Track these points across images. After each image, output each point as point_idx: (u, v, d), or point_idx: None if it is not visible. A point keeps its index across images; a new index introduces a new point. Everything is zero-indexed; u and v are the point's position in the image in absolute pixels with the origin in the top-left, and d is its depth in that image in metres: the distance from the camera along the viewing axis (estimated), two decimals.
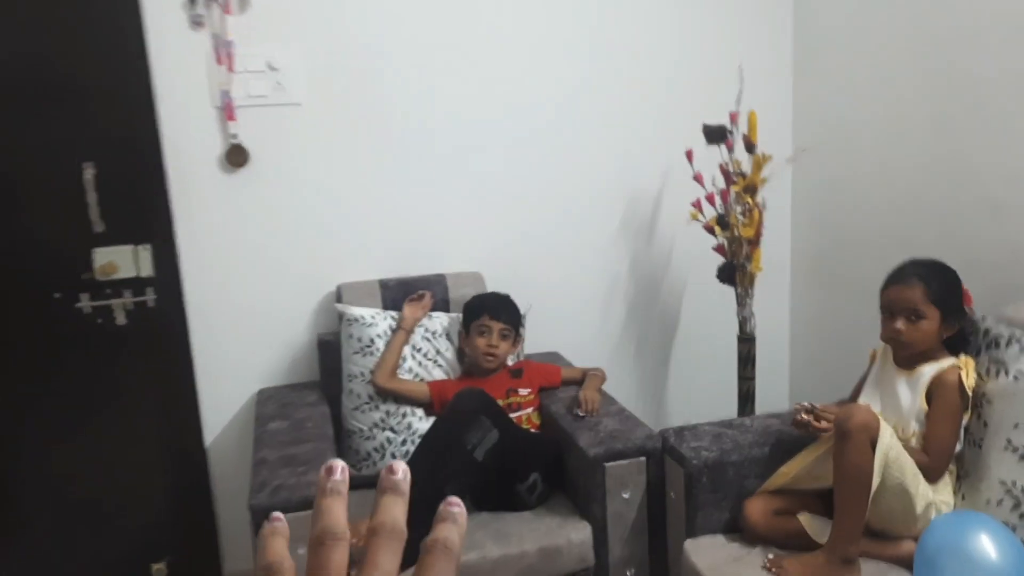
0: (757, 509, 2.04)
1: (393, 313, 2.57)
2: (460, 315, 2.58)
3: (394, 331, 2.51)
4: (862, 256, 2.82)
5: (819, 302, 3.09)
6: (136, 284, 2.54)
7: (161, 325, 2.58)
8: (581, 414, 2.34)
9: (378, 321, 2.53)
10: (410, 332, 2.51)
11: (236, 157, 2.55)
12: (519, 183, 2.83)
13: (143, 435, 2.64)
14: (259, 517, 1.92)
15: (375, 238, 2.73)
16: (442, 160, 2.75)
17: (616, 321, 3.04)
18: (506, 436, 2.18)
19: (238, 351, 2.68)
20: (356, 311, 2.53)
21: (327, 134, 2.63)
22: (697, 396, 3.14)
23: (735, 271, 2.71)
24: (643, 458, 2.17)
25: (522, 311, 2.65)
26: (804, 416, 1.95)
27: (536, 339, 2.87)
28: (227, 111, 2.52)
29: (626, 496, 2.17)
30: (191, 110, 2.51)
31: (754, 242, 2.67)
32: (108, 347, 2.55)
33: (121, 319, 2.55)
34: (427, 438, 2.18)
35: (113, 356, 2.57)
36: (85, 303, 2.51)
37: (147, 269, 2.53)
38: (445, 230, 2.79)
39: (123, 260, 2.50)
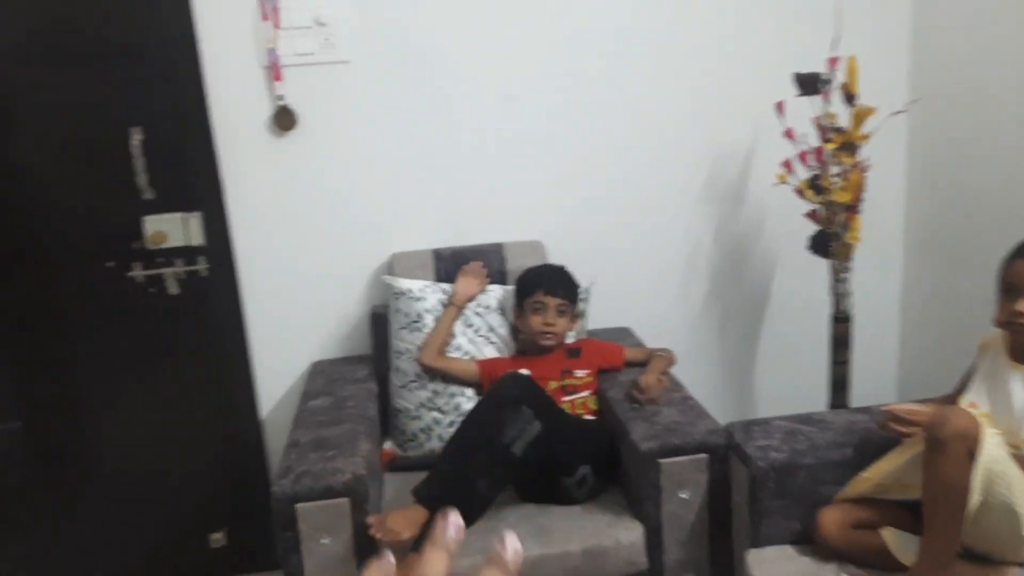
0: (833, 520, 1.77)
1: (445, 286, 2.41)
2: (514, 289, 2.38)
3: (445, 306, 2.34)
4: (989, 226, 2.42)
5: (937, 279, 2.70)
6: (187, 253, 2.49)
7: (214, 295, 2.52)
8: (639, 401, 2.11)
9: (427, 294, 2.37)
10: (461, 308, 2.34)
11: (284, 120, 2.43)
12: (585, 143, 2.59)
13: (199, 406, 2.61)
14: (281, 506, 1.81)
15: (429, 205, 2.57)
16: (499, 120, 2.54)
17: (695, 296, 2.77)
18: (552, 426, 1.98)
19: (292, 322, 2.59)
20: (404, 283, 2.38)
21: (377, 94, 2.47)
22: (786, 382, 2.83)
23: (829, 241, 2.38)
24: (704, 455, 1.93)
25: (584, 284, 2.43)
26: (890, 424, 1.66)
27: (604, 314, 2.65)
28: (274, 70, 2.40)
29: (684, 496, 1.93)
30: (237, 70, 2.40)
31: (852, 208, 2.33)
32: (162, 316, 2.52)
33: (173, 288, 2.50)
34: (462, 427, 2.01)
35: (167, 326, 2.54)
36: (137, 272, 2.47)
37: (197, 238, 2.47)
38: (503, 196, 2.59)
39: (173, 229, 2.45)
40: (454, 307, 2.33)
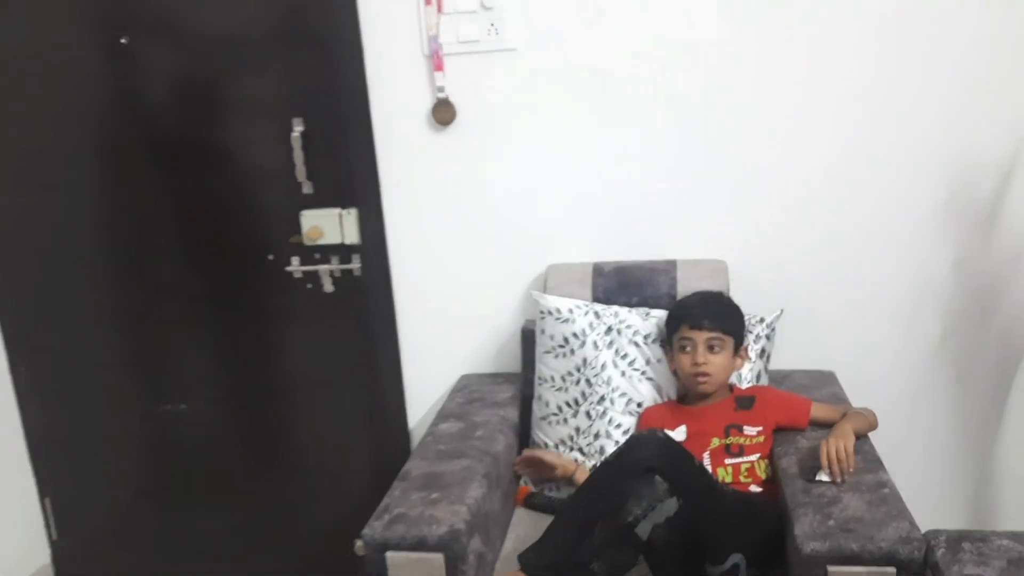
0: None
1: (600, 308, 2.09)
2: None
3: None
4: None
5: None
6: (342, 251, 2.39)
7: (367, 295, 2.40)
8: (821, 478, 1.67)
9: (576, 316, 2.07)
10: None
11: (444, 113, 2.23)
12: (789, 145, 2.14)
13: (348, 410, 2.52)
14: (371, 552, 1.63)
15: (595, 212, 2.25)
16: (683, 118, 2.16)
17: (923, 342, 2.21)
18: (698, 501, 1.62)
19: (443, 330, 2.41)
20: (552, 301, 2.10)
21: (544, 86, 2.19)
22: None
23: None
24: (892, 569, 1.47)
25: (767, 316, 2.01)
26: None
27: (802, 354, 2.20)
28: (435, 60, 2.20)
29: None
30: (398, 59, 2.23)
31: None
32: (317, 313, 2.45)
33: (328, 286, 2.42)
34: (579, 494, 1.70)
35: (321, 323, 2.47)
36: (295, 267, 2.41)
37: (352, 235, 2.35)
38: (683, 204, 2.21)
39: (329, 224, 2.35)
40: None
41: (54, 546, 2.74)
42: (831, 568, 1.48)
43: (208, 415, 2.57)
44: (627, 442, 1.68)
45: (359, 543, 2.51)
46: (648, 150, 2.18)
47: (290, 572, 2.64)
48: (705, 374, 1.87)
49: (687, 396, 1.98)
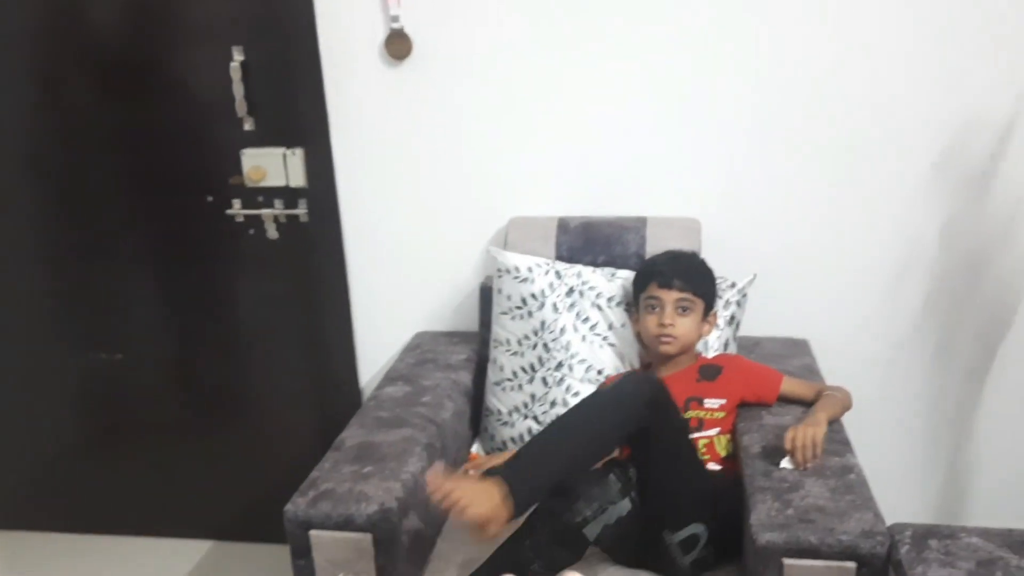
0: None
1: (562, 267, 1.95)
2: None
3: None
4: None
5: None
6: (287, 194, 2.22)
7: (315, 244, 2.23)
8: (785, 465, 1.55)
9: (536, 276, 1.92)
10: None
11: (398, 47, 2.04)
12: (770, 101, 1.97)
13: (295, 365, 2.39)
14: (293, 528, 1.50)
15: (563, 162, 2.08)
16: (657, 71, 1.98)
17: (905, 312, 2.08)
18: (667, 460, 1.51)
19: (398, 284, 2.25)
20: (509, 259, 1.95)
21: (511, 20, 2.00)
22: None
23: None
24: (851, 564, 1.36)
25: (740, 281, 1.88)
26: None
27: (775, 321, 2.07)
28: None
29: None
30: None
31: None
32: (261, 261, 2.31)
33: (272, 232, 2.26)
34: (565, 421, 1.53)
35: (266, 272, 2.32)
36: (237, 210, 2.24)
37: (298, 178, 2.18)
38: (656, 159, 2.04)
39: (272, 165, 2.17)
40: None
41: None
42: (787, 561, 1.37)
43: (145, 365, 2.44)
44: (626, 376, 1.56)
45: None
46: (622, 100, 2.01)
47: (226, 534, 2.55)
48: (671, 336, 1.73)
49: (649, 366, 1.85)
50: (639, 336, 1.86)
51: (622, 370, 1.88)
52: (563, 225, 2.03)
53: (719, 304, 1.88)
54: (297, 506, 1.50)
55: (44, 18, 2.15)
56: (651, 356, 1.84)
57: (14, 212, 2.33)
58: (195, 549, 2.53)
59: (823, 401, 1.69)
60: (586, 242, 2.00)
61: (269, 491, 2.44)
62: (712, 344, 1.89)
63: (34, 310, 2.42)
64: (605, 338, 1.90)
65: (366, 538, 1.48)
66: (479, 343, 2.11)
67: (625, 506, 1.48)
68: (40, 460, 2.58)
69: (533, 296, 1.91)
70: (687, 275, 1.77)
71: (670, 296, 1.74)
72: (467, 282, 2.21)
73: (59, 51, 2.19)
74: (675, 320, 1.74)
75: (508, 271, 1.94)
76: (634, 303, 1.85)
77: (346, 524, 1.48)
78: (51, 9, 2.14)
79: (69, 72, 2.21)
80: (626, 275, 1.93)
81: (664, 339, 1.75)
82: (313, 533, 1.49)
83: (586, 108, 2.03)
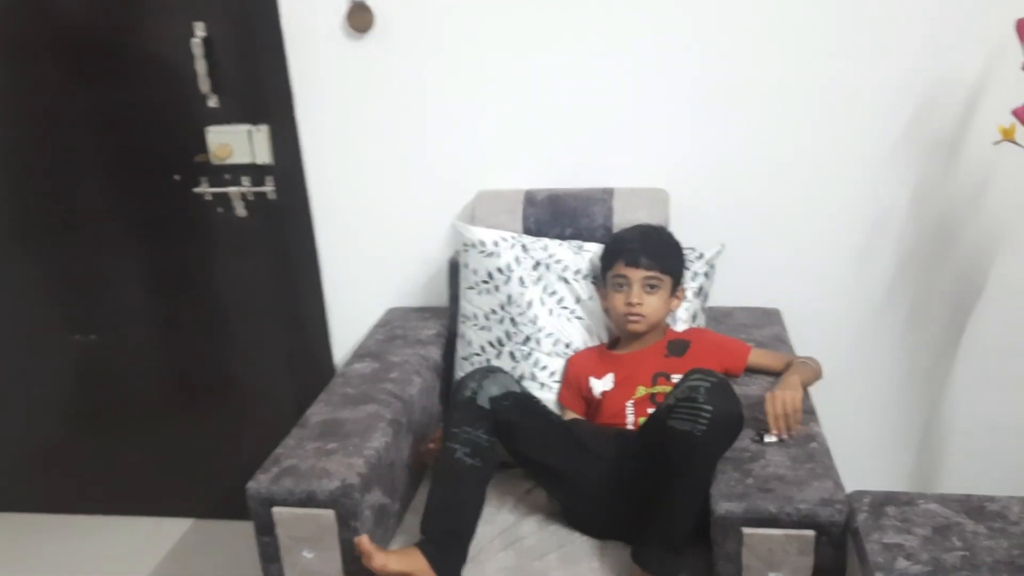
0: None
1: (528, 241, 1.93)
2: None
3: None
4: None
5: None
6: (254, 171, 2.20)
7: (284, 221, 2.22)
8: (769, 440, 1.54)
9: (502, 249, 1.91)
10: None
11: (359, 19, 2.01)
12: (736, 68, 1.94)
13: (268, 343, 2.38)
14: (255, 505, 1.50)
15: (529, 136, 2.06)
16: (623, 38, 1.95)
17: (875, 279, 2.07)
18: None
19: (368, 260, 2.24)
20: (475, 233, 1.94)
21: None
22: (996, 422, 2.09)
23: None
24: (811, 532, 1.36)
25: (707, 252, 1.87)
26: None
27: (746, 291, 2.07)
28: None
29: None
30: None
31: None
32: (230, 239, 2.29)
33: (240, 210, 2.24)
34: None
35: (236, 250, 2.30)
36: (204, 188, 2.22)
37: (264, 155, 2.16)
38: (622, 129, 2.02)
39: (238, 142, 2.15)
40: None
41: None
42: (746, 530, 1.38)
43: (120, 346, 2.43)
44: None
45: None
46: (587, 71, 1.98)
47: (207, 512, 2.55)
48: (639, 315, 1.72)
49: (619, 340, 1.84)
50: (607, 311, 1.85)
51: (590, 344, 1.88)
52: (530, 198, 2.01)
53: (687, 276, 1.87)
54: (260, 483, 1.50)
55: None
56: (619, 332, 1.83)
57: None
58: (176, 527, 2.54)
59: (795, 368, 1.68)
60: (552, 215, 1.99)
61: (247, 469, 2.45)
62: (680, 316, 1.88)
63: (10, 292, 2.40)
64: (572, 311, 1.89)
65: (328, 514, 1.48)
66: (449, 318, 2.10)
67: (505, 379, 1.58)
68: (17, 442, 2.57)
69: (499, 270, 1.90)
70: (654, 252, 1.76)
71: (637, 274, 1.73)
72: (436, 257, 2.20)
73: (19, 30, 2.15)
74: (643, 299, 1.72)
75: (474, 245, 1.92)
76: (601, 278, 1.84)
77: (308, 500, 1.48)
78: None
79: (29, 51, 2.17)
80: (593, 248, 1.92)
81: (632, 318, 1.74)
82: (276, 510, 1.49)
83: (551, 80, 2.00)
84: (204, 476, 2.52)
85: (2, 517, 2.63)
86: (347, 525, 1.49)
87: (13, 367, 2.49)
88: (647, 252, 1.73)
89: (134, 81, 2.16)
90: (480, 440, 1.51)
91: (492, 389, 1.53)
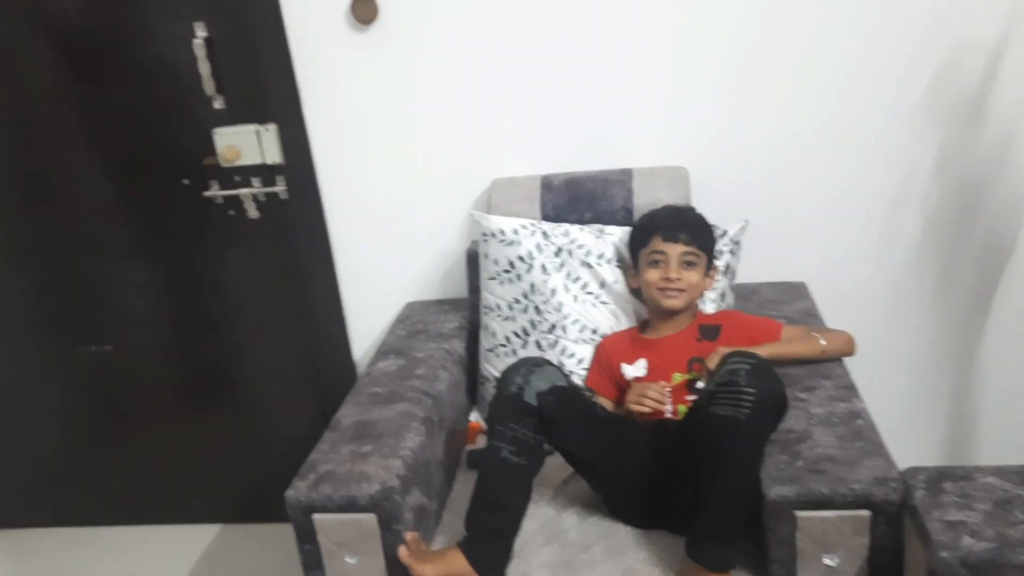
0: None
1: (549, 227, 1.89)
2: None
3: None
4: None
5: None
6: (264, 172, 2.16)
7: (297, 220, 2.18)
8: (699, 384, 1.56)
9: (522, 237, 1.87)
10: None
11: (363, 10, 1.96)
12: (751, 36, 1.90)
13: (286, 344, 2.35)
14: (296, 514, 1.47)
15: (543, 120, 2.02)
16: (635, 14, 1.91)
17: (905, 243, 2.04)
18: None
19: (384, 255, 2.20)
20: (494, 222, 1.90)
21: None
22: None
23: None
24: (866, 512, 1.33)
25: (731, 229, 1.83)
26: None
27: (771, 266, 2.03)
28: None
29: (831, 564, 1.37)
30: None
31: None
32: (243, 241, 2.25)
33: (252, 211, 2.19)
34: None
35: (250, 252, 2.26)
36: (215, 192, 2.18)
37: (274, 155, 2.12)
38: (638, 107, 1.98)
39: (246, 143, 2.11)
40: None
41: None
42: (799, 514, 1.35)
43: (136, 355, 2.40)
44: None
45: None
46: (600, 47, 1.94)
47: (231, 517, 2.53)
48: (676, 289, 1.69)
49: (647, 324, 1.81)
50: (636, 292, 1.81)
51: (617, 328, 1.84)
52: (547, 183, 1.97)
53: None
54: (298, 491, 1.47)
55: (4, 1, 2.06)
56: (651, 312, 1.80)
57: None
58: (204, 533, 2.52)
59: (783, 342, 1.68)
60: (571, 199, 1.95)
61: (271, 471, 2.43)
62: (708, 295, 1.85)
63: (18, 306, 2.37)
64: (597, 296, 1.86)
65: (370, 518, 1.45)
66: (469, 310, 2.07)
67: (553, 372, 1.51)
68: (38, 457, 2.55)
69: (521, 259, 1.86)
70: (692, 229, 1.73)
71: (676, 249, 1.69)
72: (453, 248, 2.16)
73: (17, 35, 2.10)
74: (681, 274, 1.69)
75: (493, 235, 1.88)
76: (632, 259, 1.80)
77: (348, 506, 1.45)
78: None
79: (28, 56, 2.12)
80: (615, 231, 1.88)
81: (670, 293, 1.70)
82: (316, 517, 1.46)
83: (564, 60, 1.96)
84: (229, 480, 2.50)
85: (25, 534, 2.61)
86: (389, 529, 1.46)
87: (26, 380, 2.45)
88: (684, 228, 1.70)
89: (137, 84, 2.11)
90: (526, 438, 1.47)
91: (539, 384, 1.49)
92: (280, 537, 2.36)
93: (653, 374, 1.69)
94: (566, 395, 1.51)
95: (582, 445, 1.53)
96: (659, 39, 1.91)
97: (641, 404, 1.61)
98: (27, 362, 2.43)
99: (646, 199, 1.90)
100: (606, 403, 1.75)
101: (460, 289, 2.14)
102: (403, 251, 2.19)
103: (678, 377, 1.67)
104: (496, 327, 1.90)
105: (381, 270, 2.21)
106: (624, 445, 1.54)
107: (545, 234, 1.87)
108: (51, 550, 2.53)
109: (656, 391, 1.61)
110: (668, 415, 1.62)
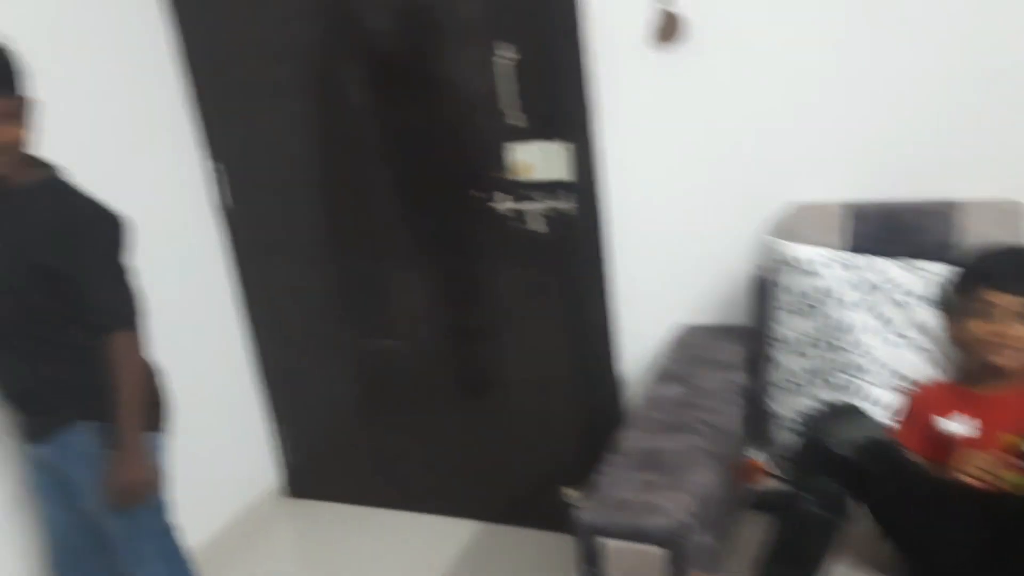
0: None
1: (854, 258, 1.76)
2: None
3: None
4: None
5: None
6: (552, 188, 2.20)
7: (577, 236, 2.21)
8: None
9: (823, 268, 1.76)
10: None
11: (667, 29, 1.94)
12: None
13: (556, 354, 2.39)
14: (583, 533, 1.48)
15: (848, 142, 1.89)
16: (959, 26, 1.72)
17: None
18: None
19: (662, 274, 2.17)
20: (792, 249, 1.80)
21: None
22: None
23: None
24: None
25: None
26: None
27: None
28: None
29: None
30: None
31: None
32: (524, 253, 2.32)
33: (539, 226, 2.26)
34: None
35: (529, 264, 2.33)
36: (503, 204, 2.26)
37: (564, 171, 2.16)
38: (962, 131, 1.79)
39: (539, 159, 2.17)
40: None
41: (288, 468, 2.89)
42: None
43: (417, 350, 2.56)
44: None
45: (568, 490, 2.43)
46: (918, 63, 1.78)
47: (488, 515, 2.62)
48: (1011, 347, 1.50)
49: (971, 376, 1.62)
50: (955, 341, 1.64)
51: (931, 377, 1.68)
52: (852, 211, 1.84)
53: None
54: (588, 512, 1.48)
55: (325, 29, 2.28)
56: (973, 365, 1.61)
57: (301, 215, 2.52)
58: (461, 528, 2.62)
59: None
60: (879, 230, 1.80)
61: (529, 478, 2.51)
62: None
63: (320, 301, 2.62)
64: (909, 340, 1.70)
65: (659, 552, 1.42)
66: (753, 339, 1.98)
67: (866, 421, 1.45)
68: (329, 436, 2.79)
69: (820, 291, 1.75)
70: None
71: (1012, 302, 1.50)
72: (735, 273, 2.08)
73: (337, 59, 2.31)
74: (1017, 330, 1.50)
75: (791, 263, 1.79)
76: (953, 303, 1.63)
77: (638, 535, 1.43)
78: (331, 19, 2.27)
79: (339, 77, 2.33)
80: (930, 268, 1.71)
81: (1005, 353, 1.52)
82: (610, 543, 1.46)
83: (876, 77, 1.82)
84: (488, 480, 2.59)
85: (315, 506, 2.87)
86: (676, 565, 1.42)
87: (323, 366, 2.70)
88: (1021, 277, 1.51)
89: (438, 102, 2.24)
90: (834, 490, 1.38)
91: (853, 433, 1.39)
92: (536, 542, 2.43)
93: (983, 435, 1.52)
94: (883, 449, 1.39)
95: (899, 510, 1.40)
96: (985, 53, 1.72)
97: (969, 474, 1.43)
98: (325, 351, 2.68)
99: (972, 235, 1.71)
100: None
101: (738, 315, 2.06)
102: (682, 272, 2.14)
103: (1007, 439, 1.49)
104: (786, 361, 1.80)
105: (656, 288, 2.19)
106: (951, 517, 1.39)
107: (850, 266, 1.75)
108: (331, 523, 2.76)
109: (989, 463, 1.42)
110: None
